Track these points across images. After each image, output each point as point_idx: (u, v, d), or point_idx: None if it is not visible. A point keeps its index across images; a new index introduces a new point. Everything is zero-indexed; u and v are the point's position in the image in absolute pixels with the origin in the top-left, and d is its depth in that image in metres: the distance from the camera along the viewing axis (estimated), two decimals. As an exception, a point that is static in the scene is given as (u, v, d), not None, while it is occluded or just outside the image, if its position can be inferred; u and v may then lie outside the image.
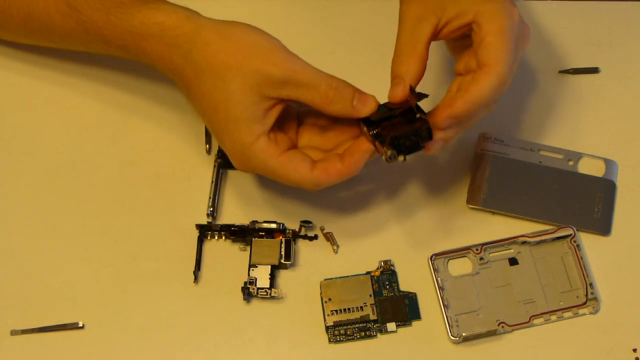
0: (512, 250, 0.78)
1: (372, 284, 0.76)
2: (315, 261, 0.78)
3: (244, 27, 0.70)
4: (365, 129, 0.71)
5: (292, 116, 0.74)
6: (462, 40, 0.74)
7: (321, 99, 0.70)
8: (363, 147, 0.71)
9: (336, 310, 0.75)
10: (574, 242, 0.77)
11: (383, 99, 0.72)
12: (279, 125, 0.72)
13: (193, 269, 0.76)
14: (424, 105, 0.71)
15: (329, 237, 0.78)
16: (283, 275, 0.77)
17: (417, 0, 0.71)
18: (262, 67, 0.68)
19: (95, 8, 0.72)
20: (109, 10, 0.72)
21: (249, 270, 0.76)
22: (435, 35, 0.71)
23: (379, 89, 0.73)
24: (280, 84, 0.69)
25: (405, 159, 0.69)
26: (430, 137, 0.70)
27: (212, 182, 0.79)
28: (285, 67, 0.69)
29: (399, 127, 0.70)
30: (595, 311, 0.76)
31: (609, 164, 0.82)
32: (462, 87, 0.71)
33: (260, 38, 0.70)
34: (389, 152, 0.68)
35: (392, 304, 0.76)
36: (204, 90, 0.69)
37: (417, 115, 0.70)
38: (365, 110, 0.71)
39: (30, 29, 0.77)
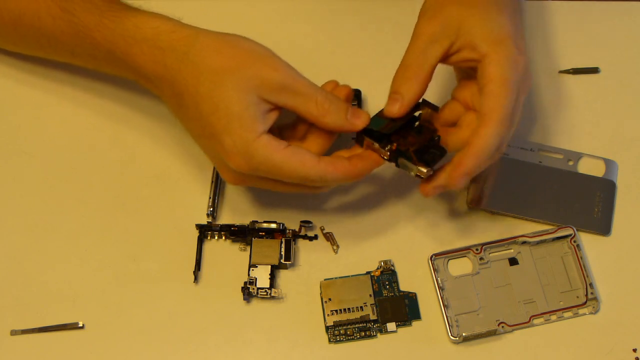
0: (512, 250, 0.78)
1: (372, 284, 0.76)
2: (315, 261, 0.78)
3: (241, 37, 0.71)
4: (376, 145, 0.71)
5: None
6: (468, 68, 0.73)
7: (318, 109, 0.70)
8: (374, 157, 0.72)
9: (336, 310, 0.75)
10: (574, 242, 0.77)
11: (384, 100, 0.72)
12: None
13: (193, 269, 0.76)
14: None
15: (329, 237, 0.78)
16: (283, 275, 0.77)
17: (436, 19, 0.71)
18: (262, 71, 0.69)
19: (89, 11, 0.72)
20: (102, 14, 0.72)
21: (249, 270, 0.76)
22: (444, 59, 0.71)
23: (379, 90, 0.73)
24: (279, 89, 0.69)
25: (433, 171, 0.71)
26: (439, 139, 0.71)
27: (212, 182, 0.79)
28: (285, 74, 0.69)
29: (411, 138, 0.71)
30: (595, 311, 0.76)
31: (609, 164, 0.82)
32: (467, 140, 0.71)
33: (258, 47, 0.71)
34: (424, 170, 0.70)
35: (392, 304, 0.76)
36: (201, 92, 0.69)
37: (416, 124, 0.71)
38: (359, 123, 0.71)
39: (19, 32, 0.77)
